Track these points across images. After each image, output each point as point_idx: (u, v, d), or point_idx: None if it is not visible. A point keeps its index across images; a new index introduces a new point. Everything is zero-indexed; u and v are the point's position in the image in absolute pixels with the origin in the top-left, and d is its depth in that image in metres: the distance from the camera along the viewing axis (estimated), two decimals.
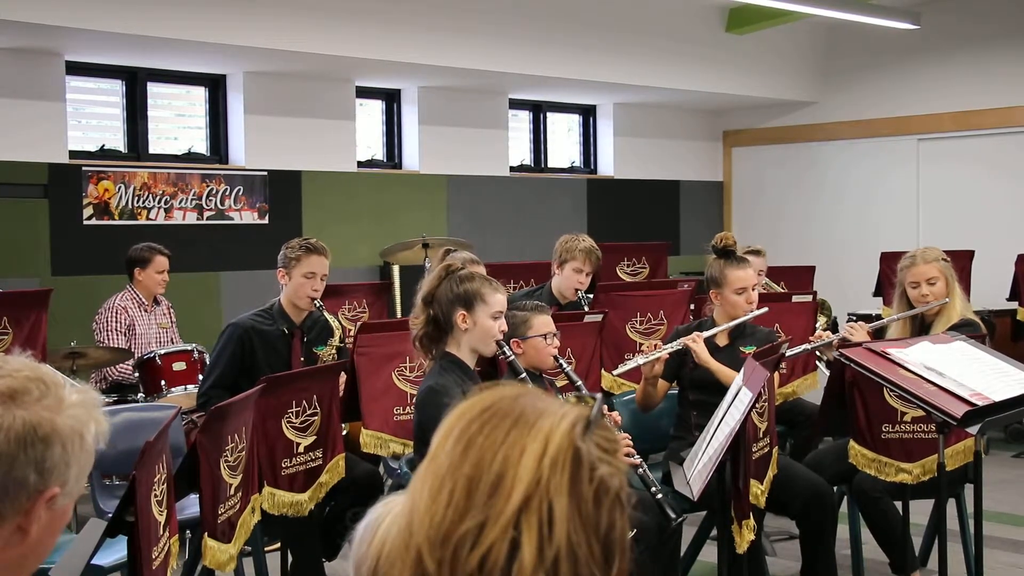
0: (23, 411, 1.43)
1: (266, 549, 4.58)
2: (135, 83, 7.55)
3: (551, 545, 1.09)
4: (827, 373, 5.00)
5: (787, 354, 5.01)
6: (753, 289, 4.76)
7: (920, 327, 5.02)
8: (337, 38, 7.23)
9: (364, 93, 8.58)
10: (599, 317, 5.27)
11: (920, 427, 4.36)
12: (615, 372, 4.81)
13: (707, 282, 4.81)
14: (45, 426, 1.44)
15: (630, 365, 4.65)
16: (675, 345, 4.64)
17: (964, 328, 4.60)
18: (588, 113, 10.14)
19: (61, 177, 6.99)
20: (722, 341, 4.77)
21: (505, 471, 1.11)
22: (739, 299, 4.71)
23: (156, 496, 2.96)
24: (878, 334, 5.11)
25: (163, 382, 5.86)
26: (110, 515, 2.80)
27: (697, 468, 3.77)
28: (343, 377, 4.53)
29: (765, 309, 4.83)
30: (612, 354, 5.35)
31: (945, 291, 4.94)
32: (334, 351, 4.97)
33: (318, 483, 4.13)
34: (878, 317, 6.30)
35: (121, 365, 6.19)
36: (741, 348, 4.67)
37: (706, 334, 4.67)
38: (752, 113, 10.57)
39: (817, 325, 5.91)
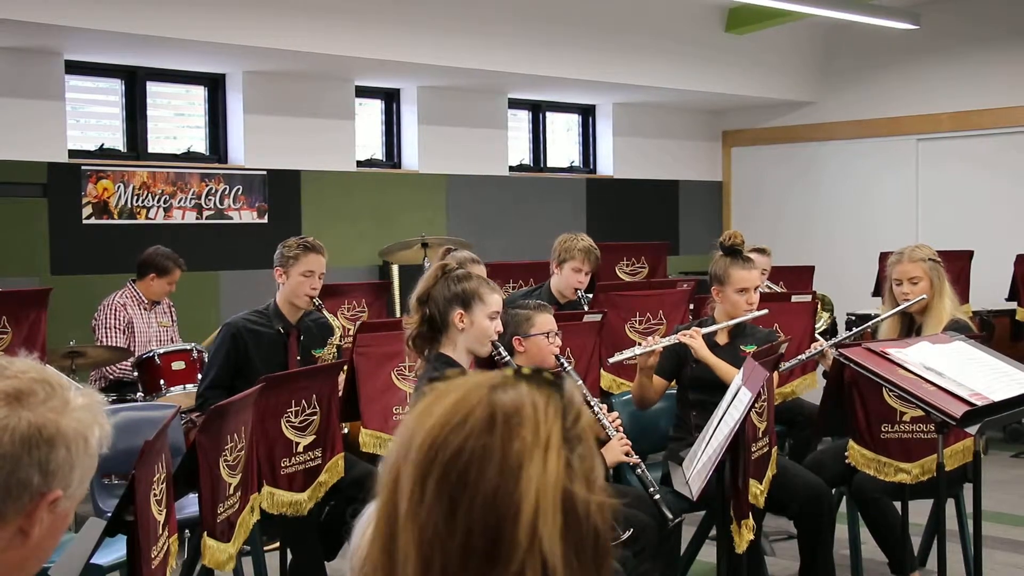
0: (28, 412, 1.43)
1: (265, 548, 4.59)
2: (134, 82, 7.55)
3: None
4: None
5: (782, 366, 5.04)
6: (755, 291, 4.75)
7: (910, 328, 5.00)
8: (337, 38, 7.22)
9: (363, 93, 8.57)
10: (598, 317, 5.27)
11: (919, 427, 4.36)
12: (610, 360, 4.79)
13: (710, 278, 4.79)
14: (50, 428, 1.44)
15: (626, 354, 4.64)
16: (672, 338, 4.63)
17: (955, 330, 4.58)
18: (587, 113, 10.13)
19: (60, 176, 6.99)
20: (722, 340, 4.76)
21: (500, 536, 1.07)
22: (740, 299, 4.69)
23: (155, 495, 2.96)
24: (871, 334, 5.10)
25: (162, 381, 5.86)
26: (109, 514, 2.80)
27: (696, 468, 3.77)
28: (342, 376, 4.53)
29: (765, 311, 4.82)
30: (611, 354, 5.34)
31: (928, 291, 4.87)
32: (335, 350, 4.96)
33: (317, 482, 4.13)
34: (877, 317, 6.31)
35: (120, 363, 6.19)
36: (741, 347, 4.66)
37: (704, 330, 4.66)
38: (751, 113, 10.57)
39: (818, 323, 5.90)
